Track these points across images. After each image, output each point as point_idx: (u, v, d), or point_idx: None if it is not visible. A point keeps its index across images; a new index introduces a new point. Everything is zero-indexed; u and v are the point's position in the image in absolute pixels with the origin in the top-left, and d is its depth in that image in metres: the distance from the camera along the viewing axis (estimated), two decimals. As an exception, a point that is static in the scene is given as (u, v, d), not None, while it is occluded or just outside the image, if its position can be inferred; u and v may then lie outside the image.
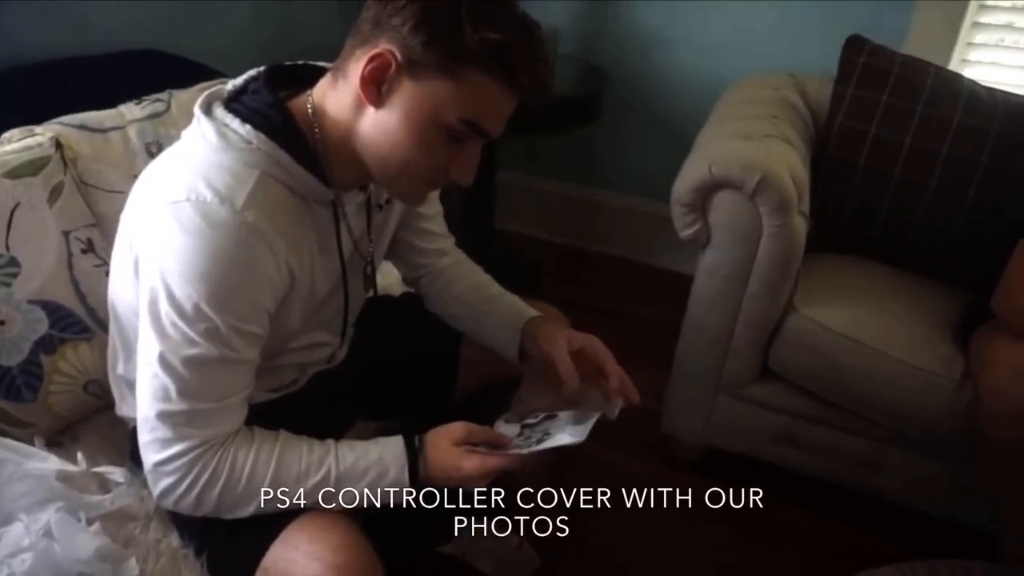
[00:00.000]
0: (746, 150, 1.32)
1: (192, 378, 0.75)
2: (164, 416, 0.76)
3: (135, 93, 1.22)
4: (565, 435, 0.86)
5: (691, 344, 1.48)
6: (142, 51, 1.42)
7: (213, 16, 1.68)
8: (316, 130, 0.81)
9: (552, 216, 2.49)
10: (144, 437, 0.78)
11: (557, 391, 0.96)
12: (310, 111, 0.81)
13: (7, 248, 0.97)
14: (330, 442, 0.84)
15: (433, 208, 1.11)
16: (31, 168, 1.01)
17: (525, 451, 0.85)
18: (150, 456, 0.78)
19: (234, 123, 0.78)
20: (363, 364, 1.10)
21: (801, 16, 1.92)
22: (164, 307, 0.74)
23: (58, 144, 1.06)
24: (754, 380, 1.46)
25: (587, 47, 2.15)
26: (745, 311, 1.38)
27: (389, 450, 0.83)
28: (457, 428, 0.85)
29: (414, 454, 0.84)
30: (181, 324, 0.74)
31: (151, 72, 1.34)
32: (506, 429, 0.93)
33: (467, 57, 0.74)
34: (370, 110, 0.78)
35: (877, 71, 1.52)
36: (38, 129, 1.07)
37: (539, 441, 0.87)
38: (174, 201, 0.74)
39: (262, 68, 0.87)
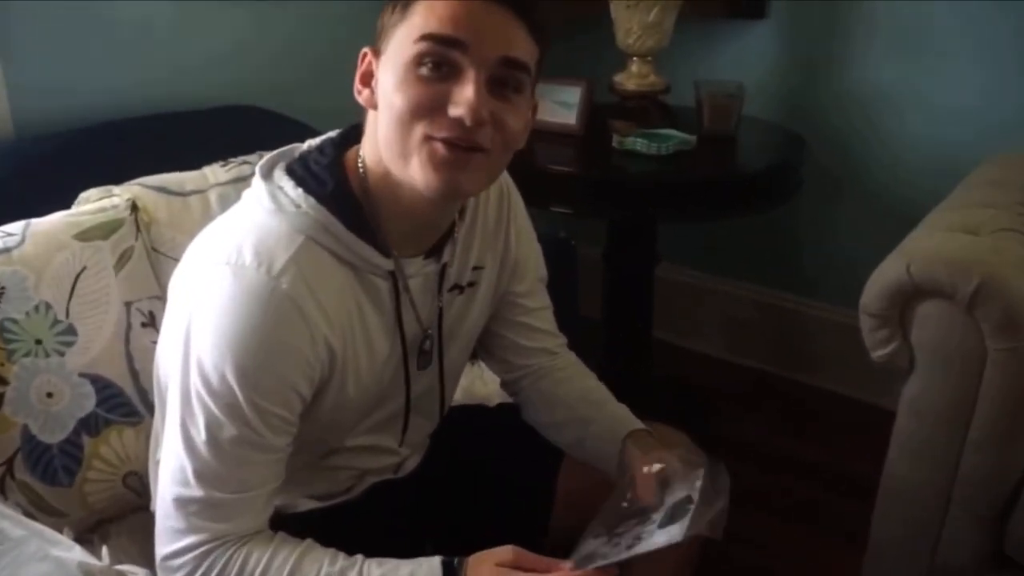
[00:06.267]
0: (964, 247, 1.36)
1: (211, 459, 0.90)
2: (179, 502, 0.92)
3: (227, 153, 1.46)
4: (659, 536, 0.95)
5: (891, 509, 1.48)
6: (239, 107, 1.71)
7: (321, 73, 1.95)
8: (367, 184, 0.98)
9: (732, 328, 2.53)
10: (158, 525, 0.94)
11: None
12: (361, 168, 0.99)
13: (67, 315, 1.20)
14: (359, 556, 0.96)
15: (538, 300, 1.24)
16: (102, 231, 1.26)
17: (603, 563, 0.94)
18: (160, 548, 0.95)
19: (287, 186, 0.96)
20: (438, 482, 1.22)
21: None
22: (193, 376, 0.91)
23: (134, 207, 1.31)
24: (983, 569, 1.43)
25: (781, 108, 2.28)
26: (966, 467, 1.38)
27: (423, 570, 0.94)
28: (505, 552, 0.94)
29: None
30: (205, 395, 0.90)
31: (247, 131, 1.61)
32: (591, 544, 1.02)
33: None
34: (372, 116, 0.95)
35: None
36: (116, 190, 1.33)
37: (629, 547, 0.96)
38: (214, 264, 0.92)
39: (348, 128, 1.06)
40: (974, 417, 1.35)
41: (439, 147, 0.90)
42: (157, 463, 1.09)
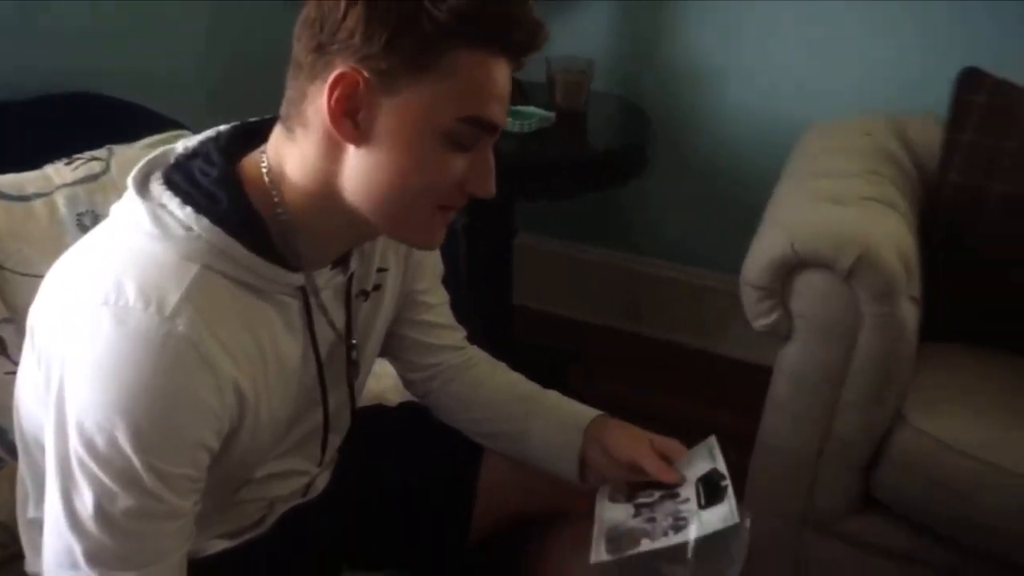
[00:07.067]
0: (839, 219, 1.38)
1: (104, 537, 0.77)
2: None
3: (71, 148, 1.31)
4: (711, 516, 0.92)
5: (768, 463, 1.52)
6: (82, 94, 1.54)
7: (163, 53, 1.83)
8: (276, 199, 0.85)
9: (586, 291, 2.57)
10: None
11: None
12: (266, 178, 0.86)
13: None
14: None
15: (438, 295, 1.18)
16: (-70, 250, 1.09)
17: (657, 546, 0.92)
18: None
19: (172, 204, 0.81)
20: (349, 497, 1.15)
21: (897, 43, 2.03)
22: (73, 440, 0.76)
23: (-34, 218, 1.14)
24: (853, 512, 1.49)
25: (627, 83, 2.29)
26: (839, 424, 1.42)
27: None
28: None
29: None
30: (91, 463, 0.76)
31: (89, 121, 1.45)
32: (614, 511, 1.00)
33: (441, 38, 0.78)
34: (351, 151, 0.82)
35: (1001, 112, 1.60)
36: (-56, 198, 1.16)
37: (675, 528, 0.93)
38: (89, 305, 0.77)
39: (224, 127, 0.92)
40: (847, 380, 1.40)
41: (445, 215, 0.89)
42: (29, 523, 0.97)
